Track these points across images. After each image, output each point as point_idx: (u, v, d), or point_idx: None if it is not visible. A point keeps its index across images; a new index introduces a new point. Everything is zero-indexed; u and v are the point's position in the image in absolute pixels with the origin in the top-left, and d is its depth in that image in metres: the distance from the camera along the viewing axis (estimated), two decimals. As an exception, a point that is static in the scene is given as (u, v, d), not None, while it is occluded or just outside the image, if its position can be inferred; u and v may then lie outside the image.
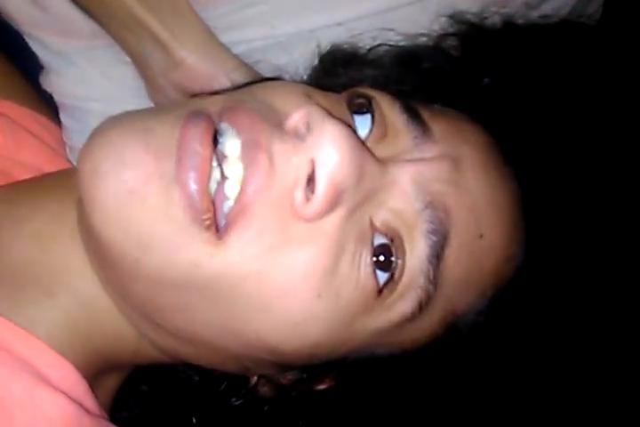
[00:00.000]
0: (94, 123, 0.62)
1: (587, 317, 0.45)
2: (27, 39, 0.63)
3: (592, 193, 0.46)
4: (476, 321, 0.44)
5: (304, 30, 0.57)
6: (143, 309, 0.41)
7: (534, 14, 0.56)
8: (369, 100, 0.43)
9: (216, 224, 0.37)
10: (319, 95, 0.43)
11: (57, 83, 0.64)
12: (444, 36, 0.54)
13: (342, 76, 0.54)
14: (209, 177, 0.37)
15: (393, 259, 0.40)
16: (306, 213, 0.38)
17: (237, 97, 0.42)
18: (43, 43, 0.62)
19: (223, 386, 0.48)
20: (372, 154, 0.40)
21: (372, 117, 0.43)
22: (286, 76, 0.56)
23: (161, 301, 0.40)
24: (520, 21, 0.54)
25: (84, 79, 0.62)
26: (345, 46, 0.56)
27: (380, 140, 0.42)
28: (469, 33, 0.54)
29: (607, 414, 0.46)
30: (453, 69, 0.52)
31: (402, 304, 0.41)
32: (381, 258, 0.40)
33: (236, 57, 0.56)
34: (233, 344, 0.41)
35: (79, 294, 0.43)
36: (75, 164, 0.64)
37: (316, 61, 0.56)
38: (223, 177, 0.38)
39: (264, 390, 0.48)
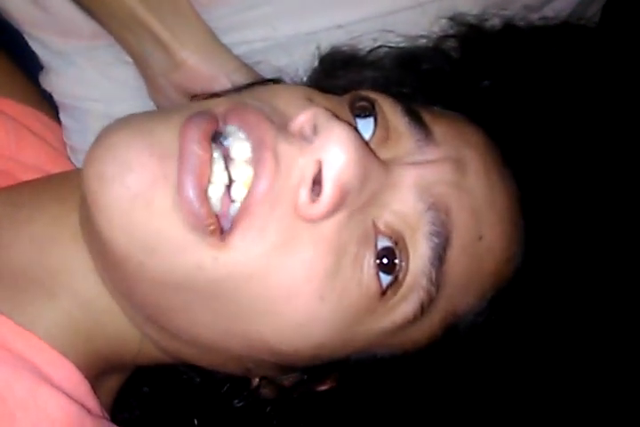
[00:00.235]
0: (94, 123, 0.62)
1: (586, 317, 0.46)
2: (27, 39, 0.63)
3: (591, 194, 0.46)
4: (476, 322, 0.45)
5: (305, 32, 0.57)
6: (146, 310, 0.41)
7: (534, 16, 0.56)
8: (371, 103, 0.43)
9: (221, 228, 0.37)
10: (321, 97, 0.43)
11: (57, 82, 0.64)
12: (444, 37, 0.55)
13: (342, 78, 0.54)
14: (208, 180, 0.37)
15: (397, 261, 0.40)
16: (311, 214, 0.38)
17: (240, 99, 0.42)
18: (43, 42, 0.62)
19: (225, 388, 0.48)
20: (376, 156, 0.40)
21: (375, 120, 0.43)
22: (286, 78, 0.56)
23: (165, 302, 0.40)
24: (520, 24, 0.54)
25: (84, 79, 0.62)
26: (345, 48, 0.56)
27: (382, 143, 0.43)
28: (469, 35, 0.54)
29: (607, 414, 0.47)
30: (453, 71, 0.52)
31: (404, 306, 0.41)
32: (385, 260, 0.40)
33: (236, 58, 0.56)
34: (235, 345, 0.41)
35: (80, 294, 0.43)
36: (75, 163, 0.64)
37: (317, 63, 0.56)
38: (230, 180, 0.38)
39: (266, 391, 0.48)
